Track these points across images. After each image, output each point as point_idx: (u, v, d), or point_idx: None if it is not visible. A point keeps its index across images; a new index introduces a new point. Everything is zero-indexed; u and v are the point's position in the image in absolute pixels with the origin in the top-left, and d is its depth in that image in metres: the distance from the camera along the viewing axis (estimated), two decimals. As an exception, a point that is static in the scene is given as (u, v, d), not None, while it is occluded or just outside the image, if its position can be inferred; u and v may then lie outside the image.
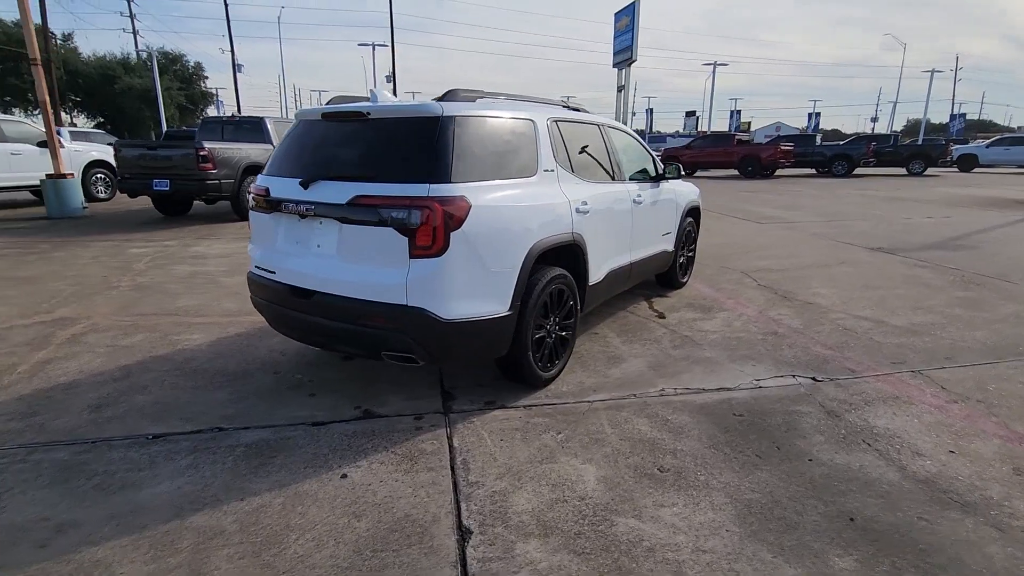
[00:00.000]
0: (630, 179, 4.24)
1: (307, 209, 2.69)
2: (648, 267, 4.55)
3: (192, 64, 43.51)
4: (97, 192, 12.53)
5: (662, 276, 5.23)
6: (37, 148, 10.73)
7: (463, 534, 2.00)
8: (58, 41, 38.96)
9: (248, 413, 2.87)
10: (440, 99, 2.85)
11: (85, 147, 12.66)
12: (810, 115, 66.35)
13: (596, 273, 3.58)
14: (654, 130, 68.62)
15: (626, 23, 37.49)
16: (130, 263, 6.33)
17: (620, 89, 42.04)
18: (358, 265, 2.61)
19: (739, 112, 63.96)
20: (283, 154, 3.02)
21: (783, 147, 21.67)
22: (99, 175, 12.48)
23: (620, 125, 4.43)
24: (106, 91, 37.93)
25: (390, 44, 43.00)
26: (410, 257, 2.48)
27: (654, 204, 4.46)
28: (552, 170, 3.18)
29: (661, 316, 4.57)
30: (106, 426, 2.73)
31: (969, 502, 2.18)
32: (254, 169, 9.68)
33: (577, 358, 3.66)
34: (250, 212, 3.14)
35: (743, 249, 7.33)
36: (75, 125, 37.08)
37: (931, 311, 4.62)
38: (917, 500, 2.20)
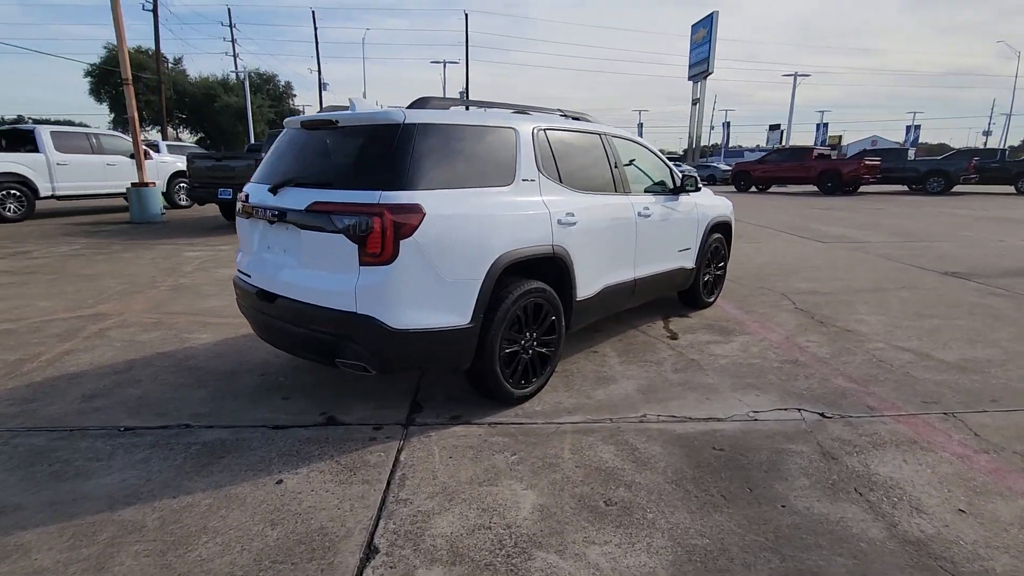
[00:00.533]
0: (642, 191, 4.04)
1: (272, 215, 2.74)
2: (659, 284, 4.29)
3: (283, 84, 46.85)
4: (179, 200, 13.65)
5: (684, 295, 4.94)
6: (129, 159, 11.83)
7: (369, 553, 1.91)
8: (170, 65, 43.15)
9: (219, 412, 2.94)
10: (410, 106, 2.82)
11: (172, 159, 13.84)
12: (908, 128, 61.59)
13: (587, 288, 3.41)
14: (732, 144, 66.12)
15: (703, 35, 36.56)
16: (180, 265, 6.78)
17: (695, 102, 40.70)
18: (314, 271, 2.61)
19: (826, 125, 60.38)
20: (267, 161, 3.10)
21: (867, 162, 20.11)
22: (182, 184, 13.57)
23: (629, 135, 4.23)
24: (207, 109, 41.52)
25: (464, 61, 44.24)
26: (360, 264, 2.45)
27: (667, 218, 4.21)
28: (533, 180, 3.07)
29: (673, 337, 4.29)
30: (89, 416, 2.89)
31: (963, 574, 1.84)
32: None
33: (565, 376, 3.49)
34: (236, 218, 3.25)
35: (791, 269, 6.80)
36: (180, 139, 40.92)
37: (992, 345, 4.04)
38: (897, 565, 1.88)
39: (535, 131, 3.19)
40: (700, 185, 4.58)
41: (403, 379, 3.39)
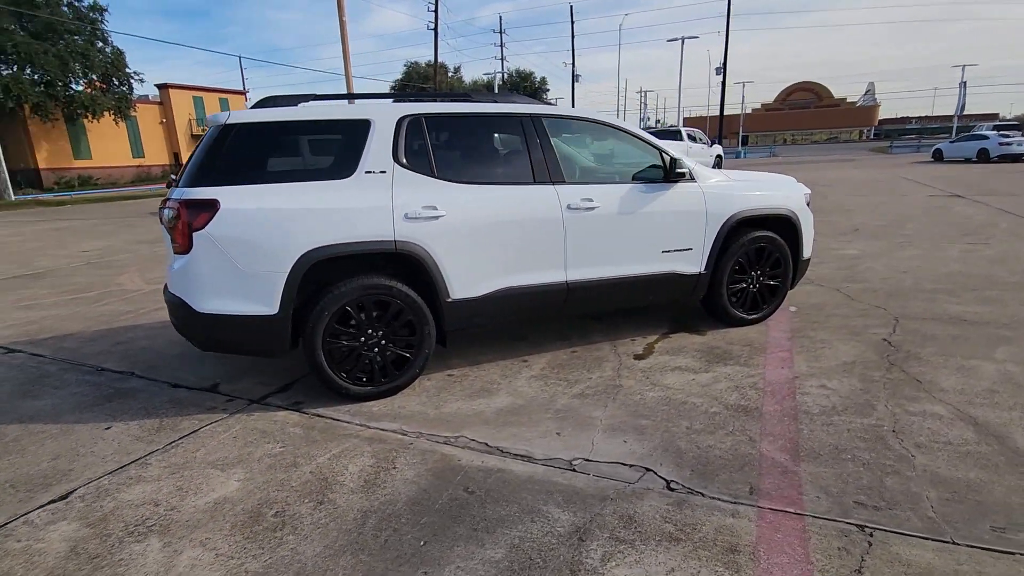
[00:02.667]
0: (596, 180, 3.45)
1: (160, 211, 3.24)
2: (631, 290, 3.56)
3: (539, 79, 50.35)
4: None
5: (708, 307, 3.97)
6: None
7: (58, 498, 2.24)
8: (450, 74, 50.35)
9: (161, 368, 3.62)
10: (254, 105, 2.99)
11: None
12: None
13: (470, 288, 3.10)
14: None
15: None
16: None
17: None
18: (170, 260, 3.02)
19: None
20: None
21: None
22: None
23: (594, 116, 3.56)
24: (473, 109, 47.29)
25: (724, 33, 40.93)
26: (174, 252, 2.77)
27: (636, 211, 3.46)
28: (383, 172, 2.93)
29: (640, 357, 3.53)
30: (98, 357, 3.89)
31: None
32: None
33: (453, 381, 3.26)
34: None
35: (977, 283, 4.74)
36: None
37: None
38: None
39: (403, 120, 3.02)
40: (708, 170, 3.60)
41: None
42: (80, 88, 25.18)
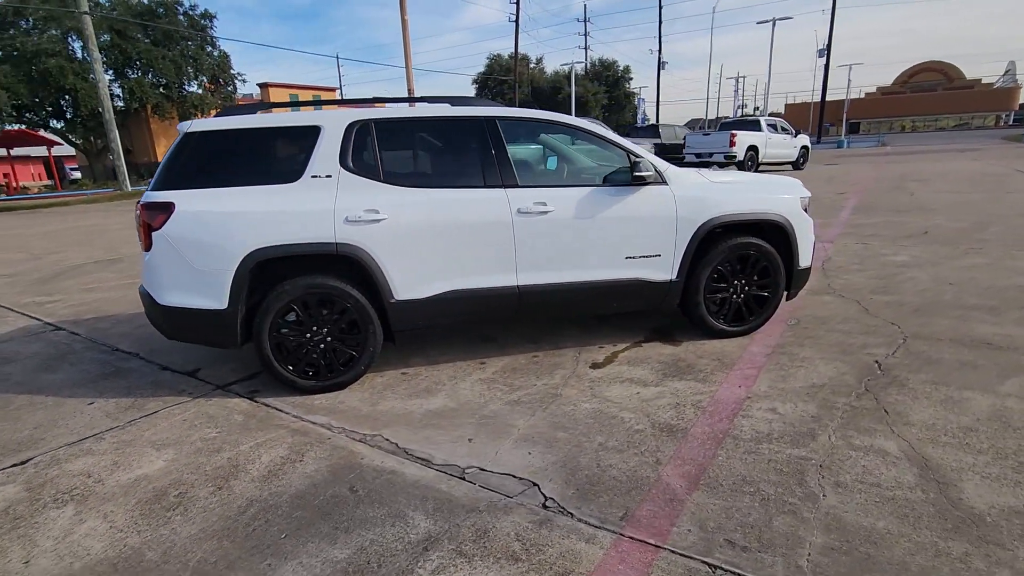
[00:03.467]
0: (554, 183, 3.37)
1: None
2: (592, 296, 3.46)
3: (621, 68, 49.08)
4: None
5: (688, 315, 3.77)
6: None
7: (19, 463, 2.58)
8: (531, 65, 50.34)
9: (165, 351, 4.01)
10: (219, 114, 3.20)
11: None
12: None
13: (415, 290, 3.17)
14: None
15: None
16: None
17: None
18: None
19: None
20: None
21: None
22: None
23: (558, 117, 3.46)
24: (554, 101, 47.05)
25: (830, 11, 37.84)
26: (143, 249, 3.06)
27: (595, 215, 3.34)
28: (329, 176, 3.05)
29: (596, 365, 3.44)
30: (118, 338, 4.36)
31: None
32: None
33: (399, 380, 3.35)
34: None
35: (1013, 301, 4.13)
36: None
37: None
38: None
39: (352, 126, 3.12)
40: (685, 171, 3.40)
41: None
42: (192, 89, 27.91)
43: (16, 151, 28.52)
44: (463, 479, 2.33)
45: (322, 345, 3.14)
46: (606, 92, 46.92)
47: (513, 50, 42.96)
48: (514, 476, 2.33)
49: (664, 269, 3.52)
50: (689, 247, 3.50)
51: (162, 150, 29.81)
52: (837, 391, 2.92)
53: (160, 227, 2.92)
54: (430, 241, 3.15)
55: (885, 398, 2.82)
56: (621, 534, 1.95)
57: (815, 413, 2.71)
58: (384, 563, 1.86)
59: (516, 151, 3.40)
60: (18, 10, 23.25)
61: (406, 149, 3.26)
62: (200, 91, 28.00)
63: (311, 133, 3.09)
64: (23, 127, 25.90)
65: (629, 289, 3.50)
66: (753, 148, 17.42)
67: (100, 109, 20.69)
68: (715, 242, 3.57)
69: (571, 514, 2.07)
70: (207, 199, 2.96)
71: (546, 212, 3.27)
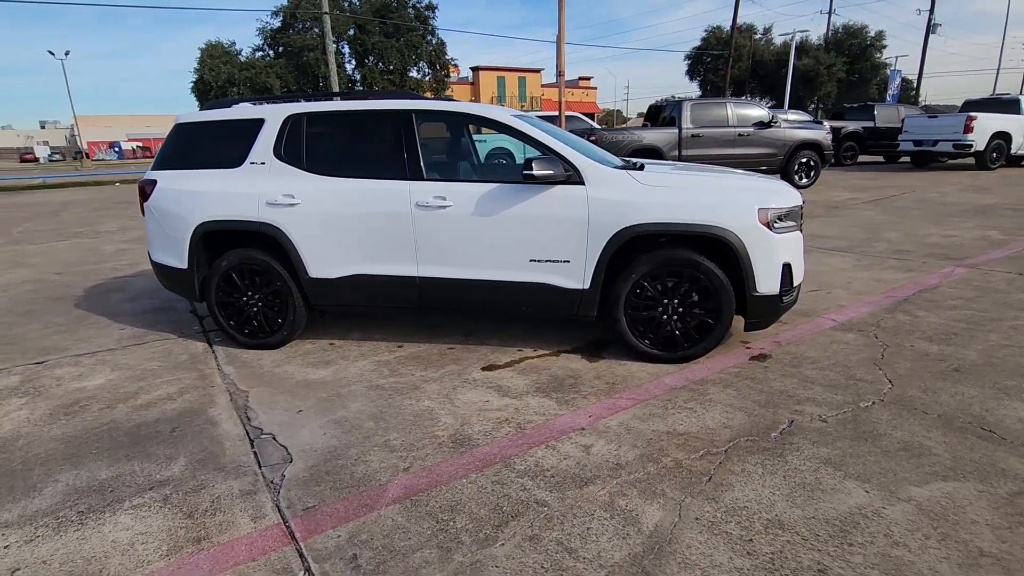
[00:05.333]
0: (461, 178, 3.34)
1: None
2: (489, 296, 3.37)
3: (872, 34, 41.22)
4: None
5: (611, 329, 3.41)
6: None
7: None
8: (756, 36, 45.34)
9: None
10: (205, 107, 3.82)
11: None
12: None
13: (326, 270, 3.48)
14: None
15: None
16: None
17: None
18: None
19: None
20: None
21: None
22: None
23: (460, 108, 3.34)
24: (776, 76, 41.84)
25: None
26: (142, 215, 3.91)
27: (498, 213, 3.21)
28: (263, 163, 3.49)
29: (486, 368, 3.34)
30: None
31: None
32: (640, 152, 10.42)
33: (318, 351, 3.72)
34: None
35: None
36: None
37: None
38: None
39: (288, 119, 3.50)
40: (614, 172, 3.04)
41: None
42: (412, 75, 31.74)
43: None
44: (251, 442, 2.62)
45: (255, 309, 3.67)
46: (846, 64, 39.93)
47: (739, 22, 39.08)
48: (287, 449, 2.54)
49: (574, 277, 3.23)
50: (603, 256, 3.15)
51: (387, 128, 34.65)
52: (689, 445, 2.44)
53: (147, 199, 3.72)
54: (337, 227, 3.41)
55: (733, 465, 2.28)
56: (284, 520, 2.04)
57: (625, 462, 2.33)
58: (114, 490, 2.27)
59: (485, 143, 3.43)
60: (293, 13, 28.94)
61: (329, 140, 3.54)
62: (417, 76, 31.68)
63: (257, 125, 3.57)
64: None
65: (536, 294, 3.31)
66: (1001, 136, 13.45)
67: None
68: (638, 253, 3.15)
69: (276, 491, 2.22)
70: (178, 178, 3.66)
71: (444, 207, 3.27)
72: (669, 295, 3.18)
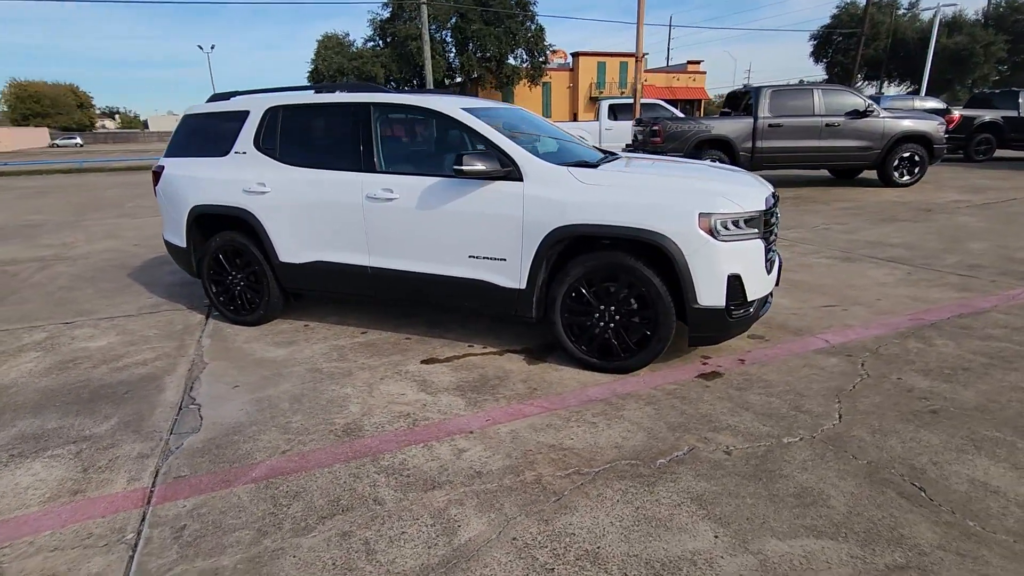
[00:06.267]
0: (411, 171, 3.36)
1: None
2: (433, 290, 3.38)
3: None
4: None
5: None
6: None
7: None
8: (900, 10, 40.22)
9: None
10: (209, 99, 4.14)
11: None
12: None
13: (292, 255, 3.68)
14: None
15: None
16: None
17: None
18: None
19: None
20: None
21: None
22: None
23: (410, 101, 3.32)
24: (921, 55, 36.90)
25: None
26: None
27: (439, 208, 3.20)
28: (244, 152, 3.74)
29: (426, 361, 3.36)
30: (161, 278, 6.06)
31: None
32: (707, 143, 9.75)
33: (292, 331, 3.95)
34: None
35: None
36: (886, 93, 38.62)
37: None
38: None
39: (268, 111, 3.72)
40: (556, 169, 2.94)
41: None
42: (510, 62, 31.95)
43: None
44: (179, 411, 2.87)
45: (238, 289, 3.97)
46: (1008, 43, 34.22)
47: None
48: (202, 421, 2.76)
49: (511, 276, 3.16)
50: (538, 255, 3.04)
51: (485, 115, 35.29)
52: (564, 461, 2.32)
53: (157, 184, 4.14)
54: (299, 215, 3.59)
55: (593, 488, 2.13)
56: (152, 485, 2.24)
57: (488, 471, 2.27)
58: (48, 440, 2.60)
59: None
60: (400, 4, 30.21)
61: (298, 132, 3.69)
62: (514, 63, 31.85)
63: (243, 116, 3.83)
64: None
65: (476, 290, 3.28)
66: None
67: (424, 83, 25.71)
68: (571, 255, 3.01)
69: (166, 457, 2.43)
70: (180, 165, 4.04)
71: (391, 200, 3.32)
72: (605, 301, 3.01)
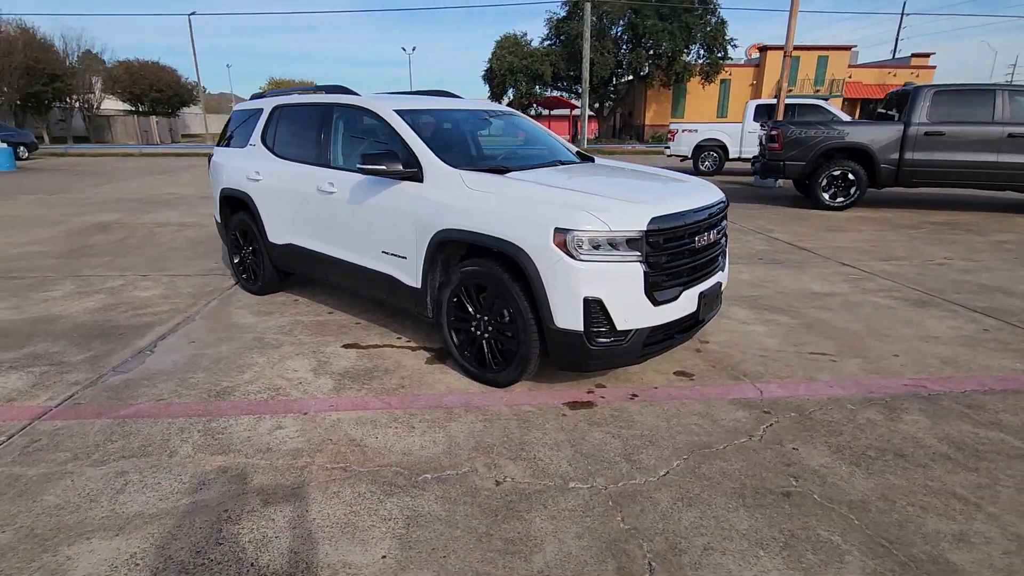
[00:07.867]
0: (352, 169, 3.61)
1: None
2: (359, 280, 3.62)
3: None
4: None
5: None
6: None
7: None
8: None
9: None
10: (251, 97, 4.80)
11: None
12: None
13: (277, 236, 4.18)
14: None
15: None
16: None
17: None
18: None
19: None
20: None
21: None
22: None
23: (358, 103, 3.50)
24: None
25: None
26: (216, 181, 5.19)
27: (361, 203, 3.39)
28: (255, 145, 4.33)
29: (347, 346, 3.59)
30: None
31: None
32: (838, 152, 8.36)
33: (280, 304, 4.48)
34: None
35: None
36: None
37: None
38: (-35, 353, 3.50)
39: (274, 109, 4.25)
40: (457, 173, 2.99)
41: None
42: (685, 58, 30.32)
43: (554, 112, 38.55)
44: (138, 353, 3.51)
45: (247, 262, 4.62)
46: None
47: None
48: (142, 365, 3.34)
49: (410, 274, 3.24)
50: (428, 256, 3.08)
51: (651, 114, 34.07)
52: (340, 455, 2.38)
53: (209, 168, 4.98)
54: (278, 201, 4.07)
55: (312, 487, 2.17)
56: (53, 406, 2.82)
57: (266, 449, 2.43)
58: (33, 359, 3.39)
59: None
60: (577, 2, 30.51)
61: (287, 129, 4.12)
62: (689, 59, 30.14)
63: (259, 114, 4.43)
64: (561, 94, 34.69)
65: (387, 284, 3.42)
66: None
67: (585, 79, 25.61)
68: (454, 260, 2.98)
69: (88, 386, 3.02)
70: (220, 154, 4.80)
71: (332, 193, 3.60)
72: (481, 311, 2.93)
